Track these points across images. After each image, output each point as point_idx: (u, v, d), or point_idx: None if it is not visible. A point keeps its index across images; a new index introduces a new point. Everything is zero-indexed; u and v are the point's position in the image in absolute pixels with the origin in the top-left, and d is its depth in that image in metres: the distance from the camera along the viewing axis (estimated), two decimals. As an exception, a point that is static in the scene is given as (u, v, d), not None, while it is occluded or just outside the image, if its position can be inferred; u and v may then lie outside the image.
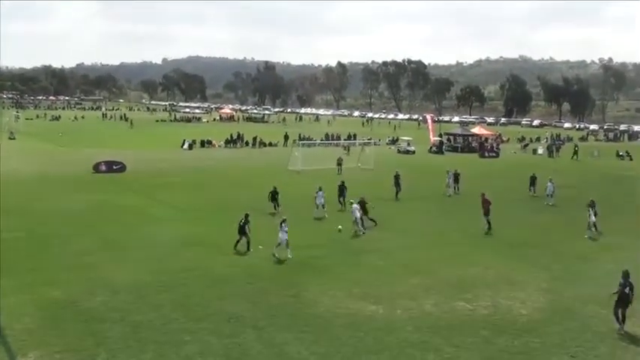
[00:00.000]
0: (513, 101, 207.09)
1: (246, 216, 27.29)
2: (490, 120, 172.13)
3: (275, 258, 25.67)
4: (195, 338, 17.48)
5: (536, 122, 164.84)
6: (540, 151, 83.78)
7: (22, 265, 24.10)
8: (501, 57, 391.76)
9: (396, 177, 42.84)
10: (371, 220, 32.60)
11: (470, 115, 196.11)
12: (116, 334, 17.63)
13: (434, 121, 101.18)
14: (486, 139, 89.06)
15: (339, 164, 55.52)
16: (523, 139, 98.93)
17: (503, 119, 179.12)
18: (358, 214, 31.09)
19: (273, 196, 35.63)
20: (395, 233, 31.62)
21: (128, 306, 19.93)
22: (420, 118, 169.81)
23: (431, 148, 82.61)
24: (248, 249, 26.92)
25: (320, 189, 35.56)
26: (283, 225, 26.03)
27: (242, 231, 27.01)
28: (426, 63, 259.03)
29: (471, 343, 17.75)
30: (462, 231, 32.08)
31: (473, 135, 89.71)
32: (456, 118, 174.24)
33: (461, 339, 18.04)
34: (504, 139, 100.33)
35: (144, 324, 18.41)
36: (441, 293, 22.15)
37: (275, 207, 35.42)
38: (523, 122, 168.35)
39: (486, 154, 78.26)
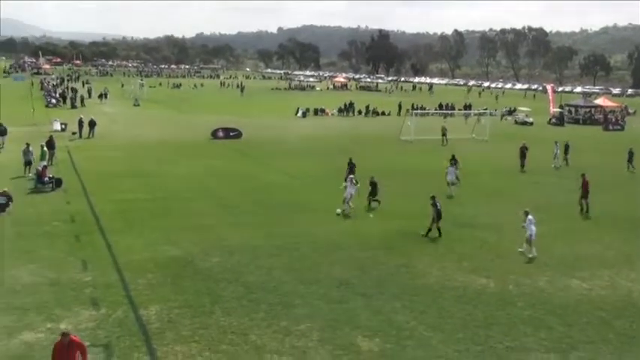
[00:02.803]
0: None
1: (433, 198, 25.31)
2: (616, 91, 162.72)
3: (525, 256, 22.58)
4: (305, 302, 17.86)
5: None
6: (671, 124, 78.74)
7: (146, 225, 25.46)
8: (630, 24, 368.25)
9: (522, 149, 41.75)
10: (375, 200, 29.32)
11: (594, 85, 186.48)
12: (230, 293, 18.32)
13: (554, 92, 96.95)
14: (611, 111, 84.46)
15: (444, 134, 54.36)
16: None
17: (630, 90, 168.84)
18: (353, 192, 28.14)
19: (373, 188, 29.52)
20: (508, 207, 30.72)
21: (242, 267, 20.64)
22: (540, 87, 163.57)
23: (550, 119, 79.52)
24: (427, 232, 24.85)
25: (452, 164, 33.98)
26: (530, 217, 22.85)
27: (438, 214, 24.64)
28: (547, 30, 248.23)
29: (585, 323, 17.10)
30: (578, 206, 30.67)
31: (596, 106, 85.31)
32: (578, 89, 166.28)
33: (575, 318, 17.42)
34: (631, 111, 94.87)
35: (256, 285, 19.01)
36: (556, 270, 21.41)
37: (370, 202, 29.75)
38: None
39: (610, 127, 74.45)
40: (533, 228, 22.58)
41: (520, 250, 22.97)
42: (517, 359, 15.04)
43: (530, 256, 22.52)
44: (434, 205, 24.72)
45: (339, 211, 27.91)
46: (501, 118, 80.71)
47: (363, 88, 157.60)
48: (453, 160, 35.90)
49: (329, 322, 16.54)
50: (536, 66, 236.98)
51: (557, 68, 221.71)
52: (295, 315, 16.94)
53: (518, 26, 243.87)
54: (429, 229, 24.70)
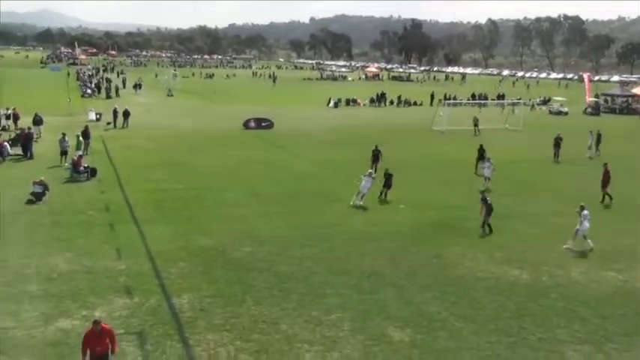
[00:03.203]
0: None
1: (482, 193, 25.05)
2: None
3: (573, 252, 22.05)
4: (336, 292, 17.88)
5: None
6: None
7: (179, 214, 25.70)
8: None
9: (557, 139, 41.22)
10: (382, 193, 28.82)
11: (631, 74, 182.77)
12: (261, 283, 18.42)
13: (590, 81, 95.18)
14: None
15: (475, 124, 53.73)
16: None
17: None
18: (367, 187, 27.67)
19: (387, 180, 28.88)
20: (544, 198, 30.44)
21: (273, 257, 20.72)
22: (575, 77, 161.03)
23: (586, 109, 78.19)
24: (483, 227, 24.23)
25: (488, 159, 32.80)
26: (585, 213, 22.27)
27: (488, 210, 24.14)
28: (584, 19, 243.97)
29: (620, 316, 16.85)
30: (615, 198, 30.14)
31: (633, 96, 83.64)
32: (615, 78, 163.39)
33: (610, 310, 17.17)
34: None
35: (287, 275, 19.08)
36: (591, 262, 21.13)
37: (382, 194, 29.02)
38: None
39: (648, 117, 72.93)
40: (587, 224, 22.10)
41: (590, 246, 22.22)
42: (550, 351, 14.88)
43: (565, 247, 22.26)
44: (483, 200, 24.37)
45: (359, 202, 27.66)
46: (531, 108, 78.97)
47: (395, 78, 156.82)
48: (482, 151, 35.55)
49: (360, 313, 16.56)
50: (571, 55, 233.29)
51: (593, 57, 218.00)
52: (326, 305, 16.97)
53: (554, 15, 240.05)
54: (489, 225, 24.19)
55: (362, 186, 27.68)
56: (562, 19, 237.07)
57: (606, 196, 29.50)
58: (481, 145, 36.51)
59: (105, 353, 12.44)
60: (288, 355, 14.35)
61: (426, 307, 17.04)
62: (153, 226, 23.68)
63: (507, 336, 15.50)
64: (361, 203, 27.54)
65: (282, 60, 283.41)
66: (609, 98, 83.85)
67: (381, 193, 28.71)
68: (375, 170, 31.96)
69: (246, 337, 15.05)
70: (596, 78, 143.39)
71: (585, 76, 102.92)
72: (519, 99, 73.78)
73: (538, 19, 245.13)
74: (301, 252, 21.32)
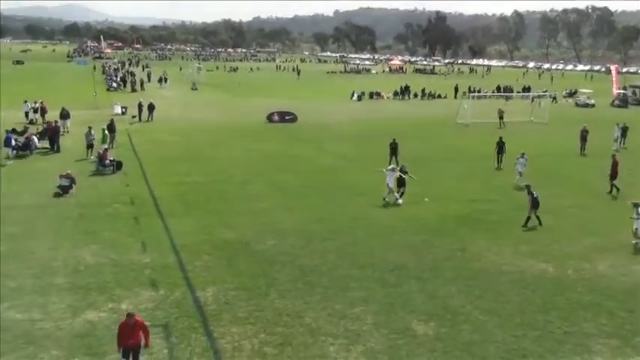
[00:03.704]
0: None
1: (527, 187, 24.73)
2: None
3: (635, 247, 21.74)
4: (360, 285, 17.87)
5: None
6: None
7: (203, 207, 25.85)
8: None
9: (583, 132, 40.70)
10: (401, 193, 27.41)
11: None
12: (285, 276, 18.47)
13: (618, 73, 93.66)
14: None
15: (501, 117, 53.11)
16: None
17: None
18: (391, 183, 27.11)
19: (401, 180, 27.46)
20: (569, 191, 30.10)
21: (297, 250, 20.76)
22: (602, 69, 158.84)
23: (613, 101, 77.01)
24: (526, 224, 23.94)
25: (523, 155, 31.82)
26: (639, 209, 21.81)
27: (534, 203, 23.96)
28: (612, 10, 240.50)
29: (648, 310, 16.65)
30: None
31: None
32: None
33: (637, 304, 16.95)
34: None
35: (311, 268, 19.10)
36: (617, 255, 20.85)
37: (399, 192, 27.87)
38: None
39: (678, 109, 71.61)
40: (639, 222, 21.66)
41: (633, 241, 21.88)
42: (576, 344, 14.73)
43: (634, 241, 21.78)
44: (530, 193, 24.09)
45: (400, 201, 27.32)
46: (552, 101, 76.97)
47: (419, 70, 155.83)
48: (502, 144, 35.31)
49: (384, 306, 16.53)
50: (599, 47, 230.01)
51: (621, 48, 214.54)
52: (350, 298, 16.97)
53: (582, 6, 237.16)
54: (537, 217, 24.00)
55: (387, 181, 27.42)
56: (590, 10, 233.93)
57: (614, 188, 29.19)
58: (500, 138, 36.15)
59: (137, 346, 12.65)
60: (312, 348, 14.39)
61: (450, 301, 16.96)
62: (177, 220, 23.86)
63: (533, 329, 15.38)
64: (401, 201, 27.00)
65: (306, 53, 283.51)
66: (637, 90, 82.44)
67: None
68: (397, 163, 31.77)
69: (271, 329, 15.11)
70: (624, 70, 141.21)
71: (613, 67, 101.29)
72: (545, 91, 72.92)
73: (565, 11, 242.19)
74: (325, 245, 21.32)
